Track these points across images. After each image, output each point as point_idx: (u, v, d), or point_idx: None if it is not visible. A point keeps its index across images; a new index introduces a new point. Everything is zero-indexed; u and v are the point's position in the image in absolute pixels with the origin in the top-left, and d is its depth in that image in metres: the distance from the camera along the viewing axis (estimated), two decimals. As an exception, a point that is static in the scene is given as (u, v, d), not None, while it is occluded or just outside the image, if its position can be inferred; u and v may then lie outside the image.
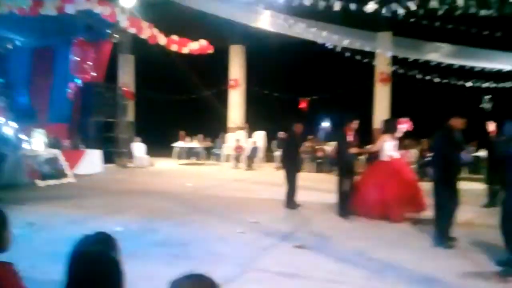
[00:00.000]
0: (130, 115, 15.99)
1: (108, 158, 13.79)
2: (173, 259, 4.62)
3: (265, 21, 9.37)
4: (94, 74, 13.78)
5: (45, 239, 5.27)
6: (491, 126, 7.48)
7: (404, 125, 7.11)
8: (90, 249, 1.59)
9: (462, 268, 4.46)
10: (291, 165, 7.71)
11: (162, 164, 15.20)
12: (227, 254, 4.82)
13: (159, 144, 16.32)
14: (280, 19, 8.67)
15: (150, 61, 15.46)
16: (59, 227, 5.89)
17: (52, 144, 11.35)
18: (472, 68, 10.35)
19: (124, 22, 10.81)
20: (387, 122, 7.30)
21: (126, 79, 15.59)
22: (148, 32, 11.40)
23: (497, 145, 7.07)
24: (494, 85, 11.64)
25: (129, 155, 14.75)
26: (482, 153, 11.54)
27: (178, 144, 15.96)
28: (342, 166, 6.93)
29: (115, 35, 14.30)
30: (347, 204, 6.79)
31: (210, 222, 6.40)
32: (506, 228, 4.42)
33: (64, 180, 10.32)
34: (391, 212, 6.54)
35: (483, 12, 6.28)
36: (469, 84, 11.65)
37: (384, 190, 6.60)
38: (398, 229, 6.17)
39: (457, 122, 5.40)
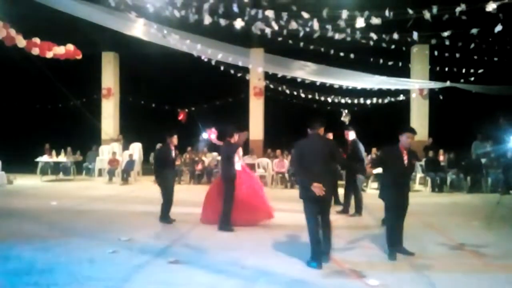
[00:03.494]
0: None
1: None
2: (32, 289, 4.16)
3: (138, 29, 9.10)
4: None
5: None
6: (351, 135, 8.58)
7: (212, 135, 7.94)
8: None
9: (327, 269, 4.86)
10: (166, 178, 7.54)
11: (23, 181, 13.56)
12: (97, 277, 4.50)
13: (19, 159, 14.51)
14: (153, 28, 8.51)
15: (6, 65, 13.72)
16: None
17: None
18: (332, 85, 11.58)
19: (-30, 19, 9.43)
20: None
21: (-25, 84, 13.61)
22: (3, 32, 10.12)
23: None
24: (350, 101, 13.22)
25: (-20, 173, 12.82)
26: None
27: (42, 159, 14.40)
28: (228, 179, 6.89)
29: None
30: (230, 217, 6.87)
31: (78, 244, 5.90)
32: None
33: None
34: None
35: (337, 36, 7.12)
36: (330, 99, 13.00)
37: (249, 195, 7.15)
38: (270, 236, 6.49)
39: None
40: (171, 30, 8.65)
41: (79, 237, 6.32)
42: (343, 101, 13.26)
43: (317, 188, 4.77)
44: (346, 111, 11.33)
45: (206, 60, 10.58)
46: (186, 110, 16.35)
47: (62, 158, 14.45)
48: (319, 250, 4.95)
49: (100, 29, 10.51)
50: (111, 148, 14.72)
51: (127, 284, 4.33)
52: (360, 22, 6.37)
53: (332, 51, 8.62)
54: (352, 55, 9.02)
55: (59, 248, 5.68)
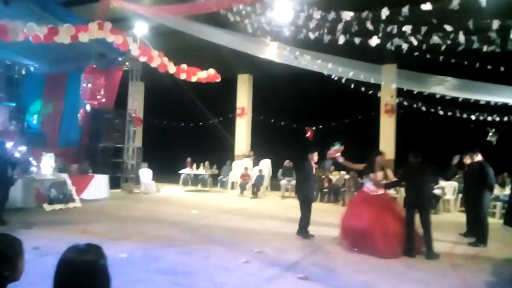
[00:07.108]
0: (138, 141, 16.17)
1: (115, 183, 13.88)
2: (177, 288, 4.62)
3: (272, 52, 9.58)
4: (104, 100, 14.04)
5: (49, 264, 5.27)
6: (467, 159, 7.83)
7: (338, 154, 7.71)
8: (79, 258, 1.60)
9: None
10: (306, 194, 7.75)
11: (168, 190, 15.24)
12: (231, 284, 4.81)
13: (166, 170, 16.43)
14: (286, 50, 8.88)
15: (159, 88, 15.77)
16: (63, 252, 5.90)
17: (60, 169, 11.48)
18: (477, 101, 10.41)
19: (135, 51, 11.11)
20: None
21: (136, 105, 15.85)
22: (158, 60, 11.68)
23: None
24: (498, 118, 11.66)
25: (136, 181, 14.82)
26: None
27: (185, 171, 16.03)
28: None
29: (126, 63, 14.65)
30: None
31: (214, 251, 6.39)
32: None
33: (70, 205, 10.38)
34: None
35: (485, 48, 6.43)
36: (473, 117, 11.69)
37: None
38: (403, 262, 6.11)
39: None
40: (302, 51, 8.91)
41: (215, 245, 6.82)
42: (489, 118, 11.81)
43: None
44: (493, 129, 10.09)
45: (335, 78, 10.57)
46: (314, 128, 16.49)
47: (201, 171, 15.87)
48: None
49: (237, 53, 11.37)
50: (243, 164, 15.62)
51: (259, 294, 4.52)
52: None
53: (477, 64, 7.80)
54: (502, 68, 8.03)
55: (198, 253, 6.21)
